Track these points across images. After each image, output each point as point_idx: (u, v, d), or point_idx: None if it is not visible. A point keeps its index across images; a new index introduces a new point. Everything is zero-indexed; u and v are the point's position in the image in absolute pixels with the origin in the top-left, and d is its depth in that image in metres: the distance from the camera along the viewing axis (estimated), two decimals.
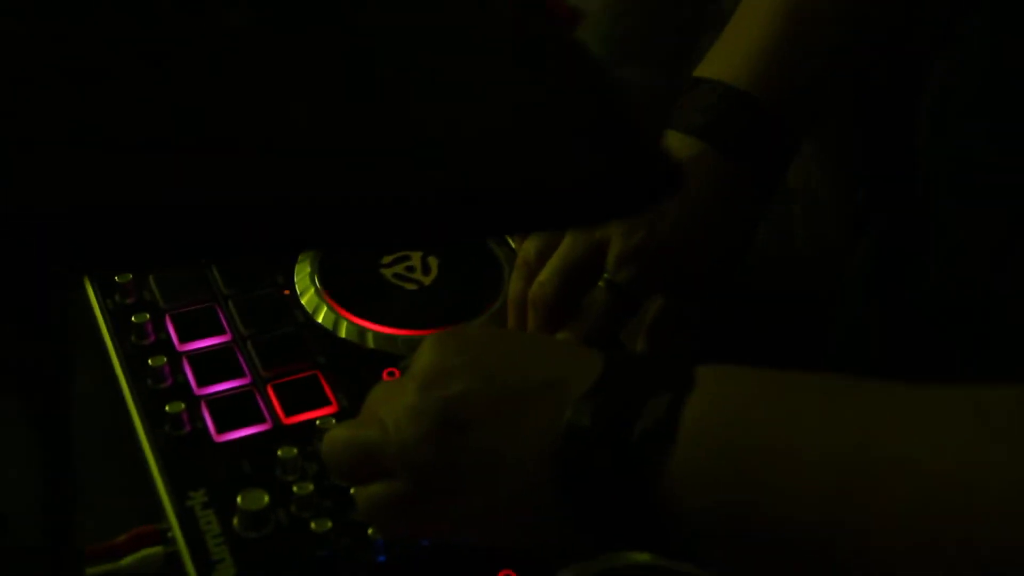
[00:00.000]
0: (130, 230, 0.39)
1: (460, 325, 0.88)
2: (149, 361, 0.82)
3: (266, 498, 0.74)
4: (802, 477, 0.56)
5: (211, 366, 0.83)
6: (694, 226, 0.83)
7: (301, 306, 0.89)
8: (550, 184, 0.44)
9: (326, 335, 0.87)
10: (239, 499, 0.74)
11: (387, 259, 0.92)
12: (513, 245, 0.95)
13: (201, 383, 0.82)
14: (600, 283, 0.83)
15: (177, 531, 0.74)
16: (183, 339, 0.85)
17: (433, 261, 0.93)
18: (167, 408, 0.79)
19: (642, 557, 0.75)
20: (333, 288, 0.89)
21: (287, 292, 0.90)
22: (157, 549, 0.75)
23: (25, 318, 0.46)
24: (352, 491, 0.72)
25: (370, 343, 0.87)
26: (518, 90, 0.47)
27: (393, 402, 0.66)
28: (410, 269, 0.92)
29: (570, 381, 0.61)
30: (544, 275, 0.84)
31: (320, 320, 0.88)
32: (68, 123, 0.41)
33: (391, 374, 0.84)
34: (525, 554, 0.75)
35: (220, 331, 0.86)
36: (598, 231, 0.83)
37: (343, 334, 0.87)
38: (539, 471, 0.61)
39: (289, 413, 0.81)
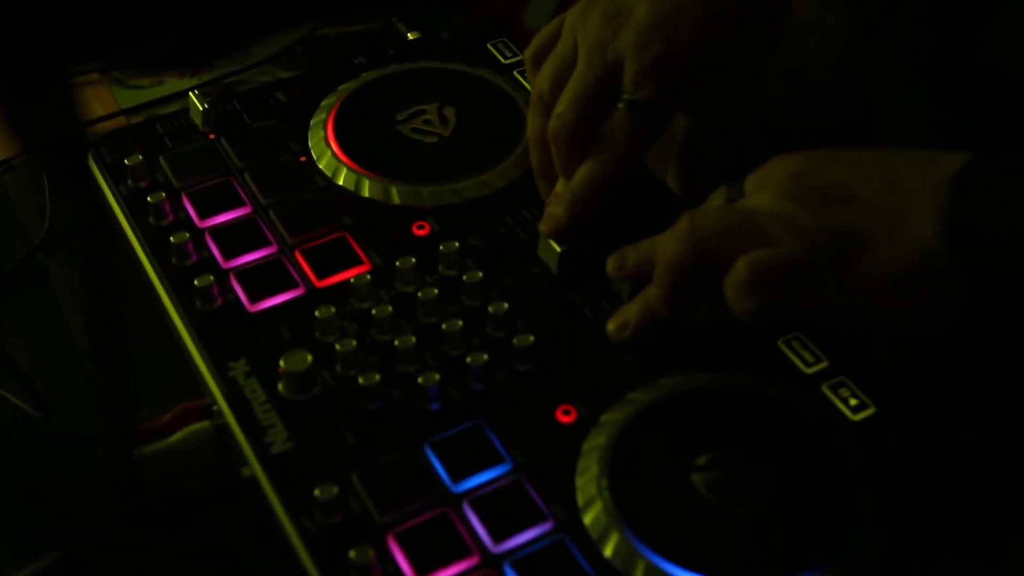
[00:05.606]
0: None
1: None
2: (171, 239, 0.79)
3: (309, 357, 0.72)
4: None
5: (235, 239, 0.80)
6: (717, 29, 0.79)
7: (320, 171, 0.85)
8: None
9: (349, 196, 0.84)
10: (282, 362, 0.72)
11: (402, 115, 0.89)
12: (527, 85, 0.91)
13: (227, 256, 0.79)
14: (620, 105, 0.80)
15: (222, 401, 0.72)
16: (203, 215, 0.82)
17: (450, 112, 0.89)
18: (196, 283, 0.76)
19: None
20: (351, 150, 0.86)
21: (303, 159, 0.86)
22: (204, 424, 0.73)
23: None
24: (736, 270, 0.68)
25: (395, 199, 0.84)
26: None
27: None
28: (427, 122, 0.89)
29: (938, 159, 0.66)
30: (560, 106, 0.80)
31: (341, 182, 0.85)
32: None
33: (420, 227, 0.82)
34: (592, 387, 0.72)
35: (239, 204, 0.83)
36: (610, 52, 0.79)
37: (366, 193, 0.84)
38: (936, 238, 0.64)
39: (321, 276, 0.78)
